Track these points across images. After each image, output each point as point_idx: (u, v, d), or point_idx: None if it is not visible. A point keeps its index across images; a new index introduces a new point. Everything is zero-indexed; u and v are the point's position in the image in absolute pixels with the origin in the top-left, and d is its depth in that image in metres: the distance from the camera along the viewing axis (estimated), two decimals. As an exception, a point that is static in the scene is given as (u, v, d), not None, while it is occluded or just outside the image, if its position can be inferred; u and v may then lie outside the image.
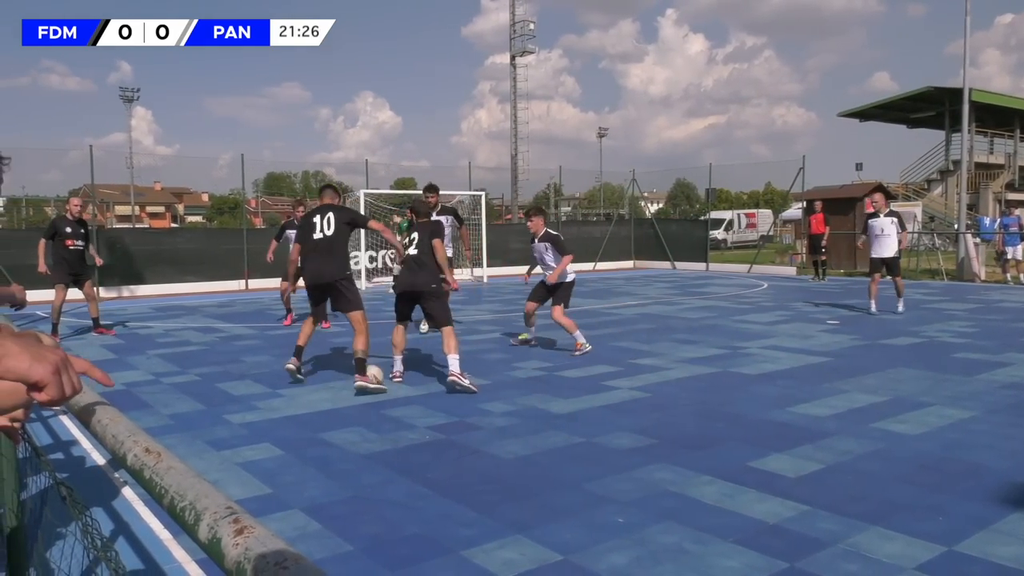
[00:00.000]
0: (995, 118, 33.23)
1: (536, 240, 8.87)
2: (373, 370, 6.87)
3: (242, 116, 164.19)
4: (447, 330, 6.90)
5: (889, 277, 12.13)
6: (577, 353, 8.52)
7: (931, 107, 34.44)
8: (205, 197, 74.67)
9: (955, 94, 27.45)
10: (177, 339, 10.27)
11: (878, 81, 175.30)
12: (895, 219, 11.89)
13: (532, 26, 47.55)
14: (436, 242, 7.12)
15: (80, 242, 10.25)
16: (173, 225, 57.73)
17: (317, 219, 6.99)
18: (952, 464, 4.64)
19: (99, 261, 11.40)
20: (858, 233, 13.56)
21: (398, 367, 7.28)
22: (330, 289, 6.95)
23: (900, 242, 11.90)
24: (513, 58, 47.74)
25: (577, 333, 8.63)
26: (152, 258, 17.52)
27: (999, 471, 4.49)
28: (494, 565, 3.34)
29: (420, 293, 7.04)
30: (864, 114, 37.57)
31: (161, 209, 73.14)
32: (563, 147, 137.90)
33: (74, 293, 10.40)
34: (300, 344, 7.18)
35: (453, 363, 6.80)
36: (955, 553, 3.38)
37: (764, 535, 3.60)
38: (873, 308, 11.92)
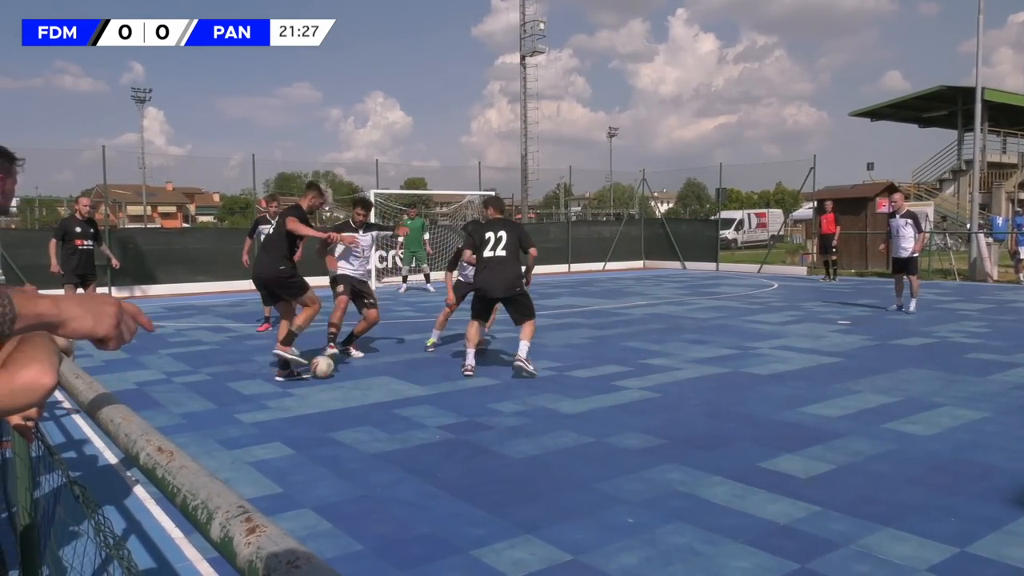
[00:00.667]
0: (1008, 117, 32.95)
1: None
2: (324, 361, 7.37)
3: (253, 116, 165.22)
4: (531, 321, 7.39)
5: (906, 277, 12.13)
6: (430, 349, 8.90)
7: (943, 106, 34.17)
8: (216, 197, 74.88)
9: (968, 93, 27.27)
10: (189, 339, 10.33)
11: (890, 80, 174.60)
12: (910, 220, 11.87)
13: (542, 26, 47.56)
14: (533, 251, 7.50)
15: (89, 242, 10.30)
16: (185, 225, 57.90)
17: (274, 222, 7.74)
18: (964, 465, 4.61)
19: (116, 263, 11.29)
20: (877, 232, 13.69)
21: (470, 361, 7.46)
22: (269, 285, 7.34)
23: (916, 243, 11.88)
24: (523, 58, 47.74)
25: (439, 333, 9.03)
26: (164, 258, 17.61)
27: (1012, 472, 4.46)
28: (504, 565, 3.34)
29: (508, 297, 7.38)
30: (876, 113, 37.30)
31: (173, 209, 73.45)
32: (573, 147, 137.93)
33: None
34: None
35: (523, 347, 7.25)
36: (967, 555, 3.36)
37: (775, 536, 3.59)
38: (893, 305, 12.21)
